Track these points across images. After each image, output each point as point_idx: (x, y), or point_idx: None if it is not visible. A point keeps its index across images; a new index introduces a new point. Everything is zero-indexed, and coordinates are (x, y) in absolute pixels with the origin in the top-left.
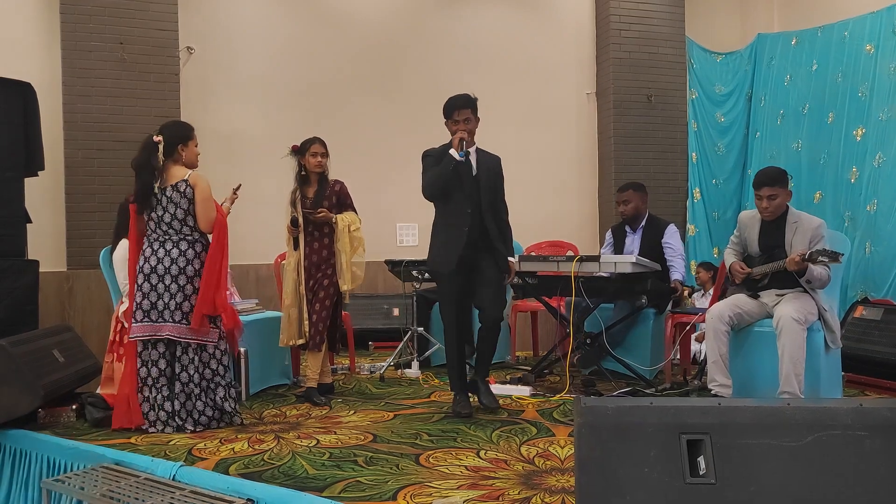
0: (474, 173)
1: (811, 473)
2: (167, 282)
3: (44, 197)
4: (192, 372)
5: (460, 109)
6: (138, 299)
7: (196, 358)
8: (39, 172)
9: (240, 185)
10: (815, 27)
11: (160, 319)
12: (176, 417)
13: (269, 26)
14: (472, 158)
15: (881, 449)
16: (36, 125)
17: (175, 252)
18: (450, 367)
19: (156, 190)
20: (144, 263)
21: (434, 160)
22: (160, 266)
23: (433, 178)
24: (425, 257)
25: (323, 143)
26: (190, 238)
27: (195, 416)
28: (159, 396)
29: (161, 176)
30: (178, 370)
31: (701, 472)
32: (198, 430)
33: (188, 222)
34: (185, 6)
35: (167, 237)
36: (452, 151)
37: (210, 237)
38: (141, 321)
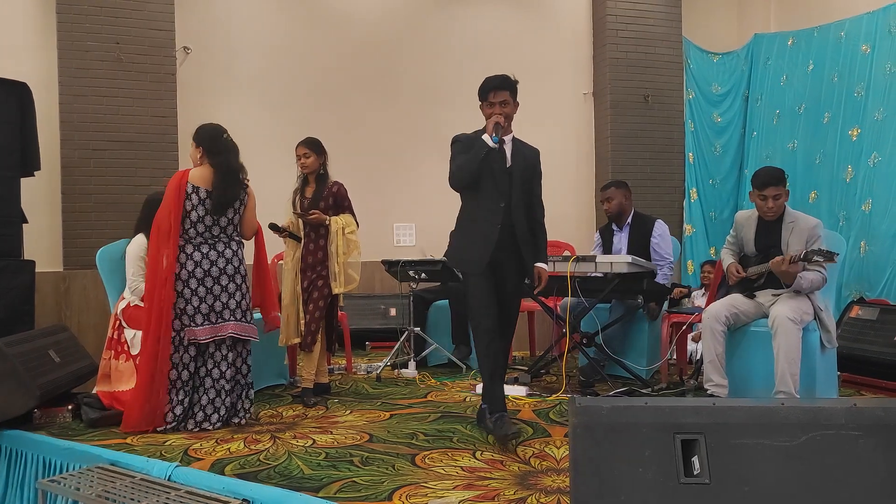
0: (508, 164)
1: (805, 473)
2: (224, 282)
3: (40, 197)
4: (224, 369)
5: (496, 91)
6: (195, 304)
7: (230, 354)
8: (36, 172)
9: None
10: (811, 27)
11: (220, 320)
12: (200, 413)
13: (265, 26)
14: (507, 148)
15: (875, 448)
16: (32, 125)
17: (228, 252)
18: (485, 381)
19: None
20: (196, 268)
21: (463, 146)
22: (214, 268)
23: (462, 165)
24: (422, 257)
25: (309, 145)
26: (236, 240)
27: (221, 412)
28: (186, 399)
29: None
30: (209, 366)
31: (695, 472)
32: (216, 427)
33: (238, 228)
34: (182, 6)
35: (218, 240)
36: (486, 137)
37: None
38: (201, 324)
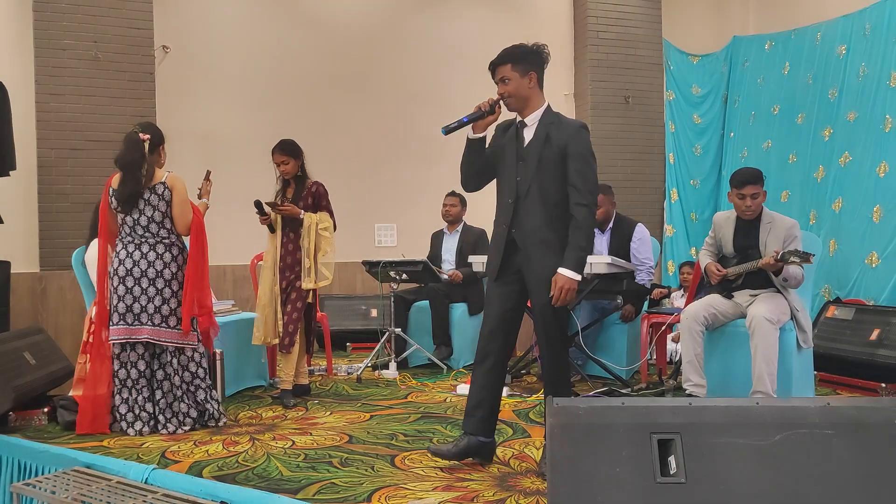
0: (522, 151)
1: (780, 471)
2: (144, 285)
3: (16, 197)
4: (171, 374)
5: (495, 69)
6: (114, 302)
7: (175, 360)
8: (11, 172)
9: (209, 171)
10: (789, 30)
11: (136, 322)
12: (159, 417)
13: (245, 25)
14: (529, 131)
15: (847, 446)
16: (7, 124)
17: (152, 255)
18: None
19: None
20: (119, 266)
21: (492, 140)
22: (136, 269)
23: (461, 163)
24: (403, 258)
25: (286, 151)
26: (167, 241)
27: (180, 417)
28: (140, 398)
29: (147, 177)
30: (158, 375)
31: (671, 472)
32: (180, 431)
33: (165, 225)
34: (161, 4)
35: (143, 240)
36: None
37: (186, 239)
38: (117, 324)
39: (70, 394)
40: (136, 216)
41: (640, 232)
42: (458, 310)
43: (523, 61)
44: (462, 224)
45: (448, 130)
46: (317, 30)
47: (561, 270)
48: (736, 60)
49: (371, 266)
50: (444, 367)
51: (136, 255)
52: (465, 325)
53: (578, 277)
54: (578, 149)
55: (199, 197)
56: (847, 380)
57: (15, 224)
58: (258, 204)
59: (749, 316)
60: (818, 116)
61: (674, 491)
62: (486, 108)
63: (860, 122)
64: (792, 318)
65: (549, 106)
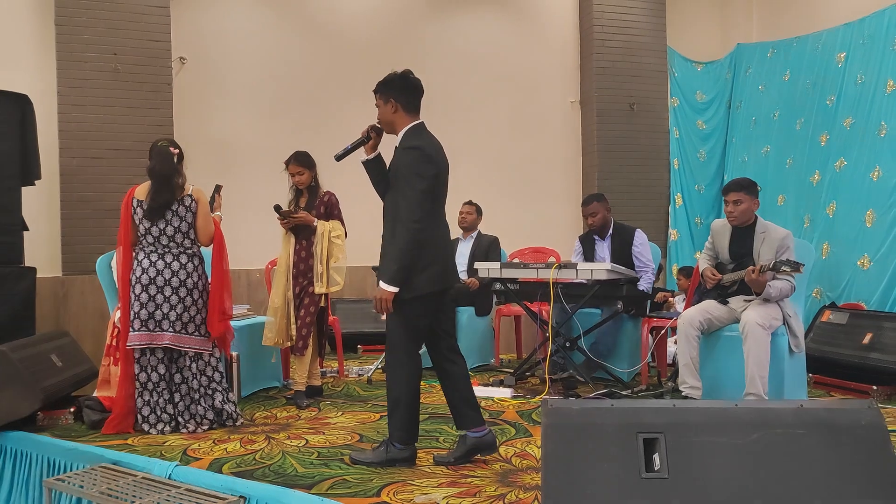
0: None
1: (755, 467)
2: (167, 293)
3: (39, 205)
4: (189, 378)
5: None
6: (136, 309)
7: (193, 365)
8: (36, 181)
9: (219, 185)
10: (791, 38)
11: (157, 329)
12: (179, 418)
13: (260, 36)
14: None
15: (818, 445)
16: (33, 135)
17: (176, 265)
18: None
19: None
20: (142, 274)
21: None
22: (160, 278)
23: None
24: None
25: (300, 162)
26: (189, 252)
27: (198, 418)
28: (161, 400)
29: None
30: (176, 378)
31: (655, 468)
32: (199, 430)
33: (190, 236)
34: (178, 17)
35: (167, 250)
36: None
37: (203, 249)
38: (139, 330)
39: (94, 394)
40: (162, 226)
41: (640, 237)
42: (465, 314)
43: (384, 90)
44: (477, 231)
45: (338, 157)
46: (329, 39)
47: (380, 283)
48: (740, 67)
49: None
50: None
51: (160, 264)
52: (472, 327)
53: (392, 289)
54: (402, 170)
55: (212, 210)
56: (841, 382)
57: (38, 230)
58: (278, 209)
59: (742, 321)
60: (816, 122)
61: (657, 485)
62: (364, 136)
63: (856, 128)
64: (784, 324)
65: (411, 127)
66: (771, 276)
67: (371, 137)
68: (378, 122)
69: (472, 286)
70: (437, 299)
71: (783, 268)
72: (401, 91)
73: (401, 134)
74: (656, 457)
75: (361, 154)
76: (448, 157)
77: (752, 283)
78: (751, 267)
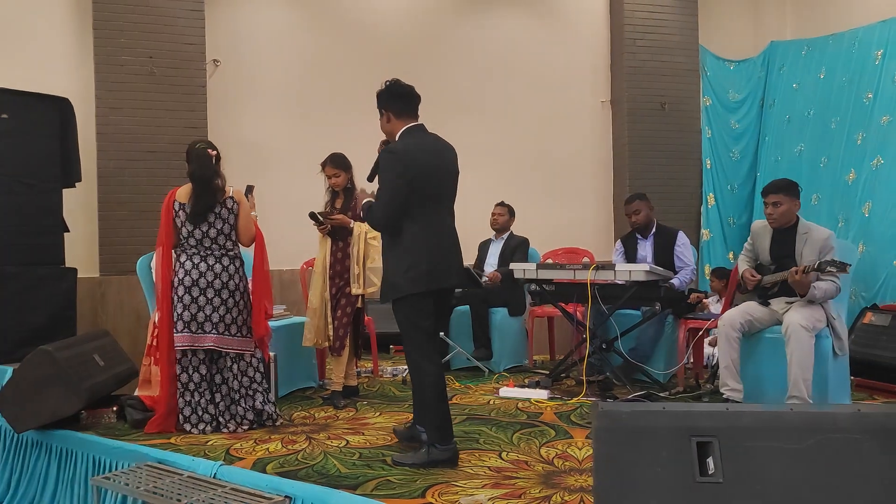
0: None
1: (812, 474)
2: (209, 295)
3: (78, 206)
4: (230, 379)
5: None
6: (179, 310)
7: (235, 366)
8: (76, 183)
9: (251, 185)
10: (826, 35)
11: (200, 331)
12: (219, 418)
13: (292, 38)
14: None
15: (878, 451)
16: (73, 138)
17: (218, 267)
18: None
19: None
20: (185, 276)
21: None
22: (202, 280)
23: None
24: None
25: (337, 164)
26: (231, 253)
27: (238, 419)
28: (202, 400)
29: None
30: (217, 379)
31: (709, 472)
32: (240, 431)
33: (231, 237)
34: (212, 20)
35: (209, 252)
36: None
37: (242, 250)
38: (181, 331)
39: (136, 393)
40: (205, 228)
41: (683, 238)
42: (499, 314)
43: (378, 104)
44: (509, 233)
45: (370, 179)
46: (360, 41)
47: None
48: (773, 65)
49: None
50: (486, 371)
51: (203, 266)
52: (505, 328)
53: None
54: (380, 173)
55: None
56: (884, 385)
57: (77, 232)
58: (313, 216)
59: (785, 323)
60: (852, 120)
61: (712, 490)
62: (380, 151)
63: (893, 126)
64: (828, 326)
65: (403, 131)
66: (815, 277)
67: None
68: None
69: (494, 279)
70: (428, 300)
71: (829, 268)
72: (388, 100)
73: (396, 138)
74: (710, 461)
75: None
76: (478, 158)
77: (795, 285)
78: (794, 268)
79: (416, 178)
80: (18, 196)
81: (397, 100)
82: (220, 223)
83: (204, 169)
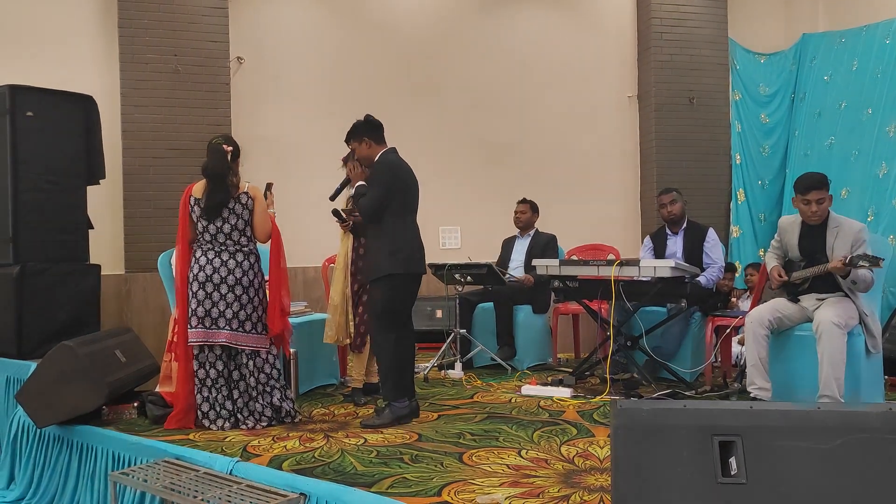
0: None
1: (840, 475)
2: (223, 291)
3: (103, 204)
4: (247, 375)
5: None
6: (193, 306)
7: (251, 363)
8: (101, 181)
9: (270, 183)
10: (860, 27)
11: (214, 326)
12: (238, 414)
13: (315, 36)
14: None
15: None
16: (98, 136)
17: (232, 263)
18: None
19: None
20: (199, 272)
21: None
22: (216, 275)
23: None
24: (468, 260)
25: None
26: (246, 249)
27: (256, 415)
28: (220, 396)
29: (232, 186)
30: (234, 375)
31: (732, 473)
32: (259, 427)
33: (246, 233)
34: (235, 18)
35: (224, 248)
36: None
37: (260, 246)
38: (195, 327)
39: (157, 390)
40: (219, 224)
41: (712, 235)
42: (522, 312)
43: (356, 135)
44: (535, 230)
45: (332, 197)
46: (383, 39)
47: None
48: (805, 58)
49: (437, 269)
50: (509, 369)
51: (217, 262)
52: (529, 325)
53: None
54: (374, 175)
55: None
56: None
57: (102, 229)
58: (336, 213)
59: (816, 320)
60: (885, 112)
61: (735, 491)
62: (344, 179)
63: None
64: (860, 323)
65: (384, 152)
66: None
67: (350, 181)
68: (357, 159)
69: (528, 283)
70: (407, 280)
71: (861, 262)
72: (368, 130)
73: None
74: (733, 461)
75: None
76: (502, 155)
77: (836, 271)
78: (836, 260)
79: (402, 187)
80: (44, 193)
81: (374, 130)
82: (234, 218)
83: (216, 164)
